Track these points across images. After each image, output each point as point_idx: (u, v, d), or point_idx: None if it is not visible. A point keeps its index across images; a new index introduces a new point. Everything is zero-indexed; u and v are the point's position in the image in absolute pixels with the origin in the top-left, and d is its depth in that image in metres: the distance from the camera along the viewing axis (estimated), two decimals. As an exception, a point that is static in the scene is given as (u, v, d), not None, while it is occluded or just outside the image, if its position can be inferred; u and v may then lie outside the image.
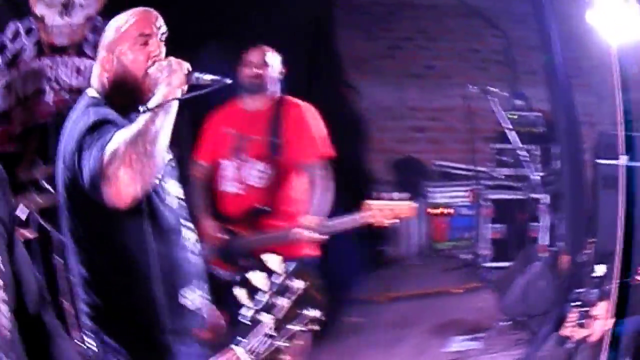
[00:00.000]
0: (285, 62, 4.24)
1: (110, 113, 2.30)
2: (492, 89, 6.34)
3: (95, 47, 4.13)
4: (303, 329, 1.79)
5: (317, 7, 6.58)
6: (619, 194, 4.98)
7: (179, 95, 2.22)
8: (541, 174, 7.33)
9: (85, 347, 2.41)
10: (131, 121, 2.20)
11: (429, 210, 7.06)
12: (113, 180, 2.02)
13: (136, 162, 2.03)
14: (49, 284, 3.46)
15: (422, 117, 8.14)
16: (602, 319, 4.64)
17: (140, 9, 2.45)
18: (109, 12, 4.21)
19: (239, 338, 1.79)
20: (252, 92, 4.12)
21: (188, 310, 2.42)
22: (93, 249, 2.34)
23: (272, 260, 1.81)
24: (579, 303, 5.58)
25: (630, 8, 4.98)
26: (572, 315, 5.36)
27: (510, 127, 6.62)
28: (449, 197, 7.81)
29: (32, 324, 1.81)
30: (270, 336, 1.77)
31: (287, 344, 1.77)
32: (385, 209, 3.79)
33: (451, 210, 7.46)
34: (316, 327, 1.81)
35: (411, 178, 7.75)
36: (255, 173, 4.06)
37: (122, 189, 2.04)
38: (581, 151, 6.56)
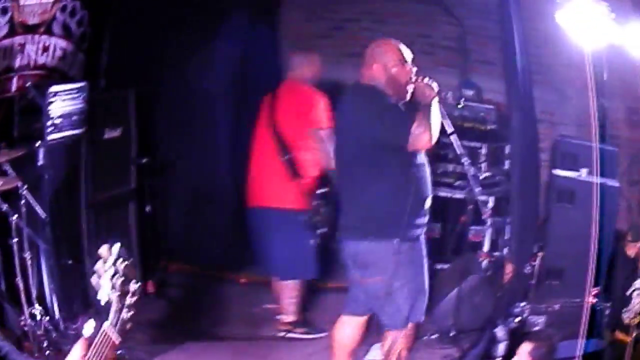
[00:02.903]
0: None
1: None
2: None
3: (64, 26, 5.53)
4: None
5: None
6: (593, 210, 4.54)
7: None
8: (487, 174, 6.89)
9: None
10: None
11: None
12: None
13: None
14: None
15: None
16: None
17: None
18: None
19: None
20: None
21: None
22: None
23: (103, 249, 2.21)
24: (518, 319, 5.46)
25: (602, 12, 4.68)
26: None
27: (449, 121, 6.08)
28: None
29: None
30: (119, 310, 2.21)
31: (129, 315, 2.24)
32: None
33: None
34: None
35: None
36: None
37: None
38: (536, 151, 6.02)
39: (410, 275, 4.05)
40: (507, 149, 6.92)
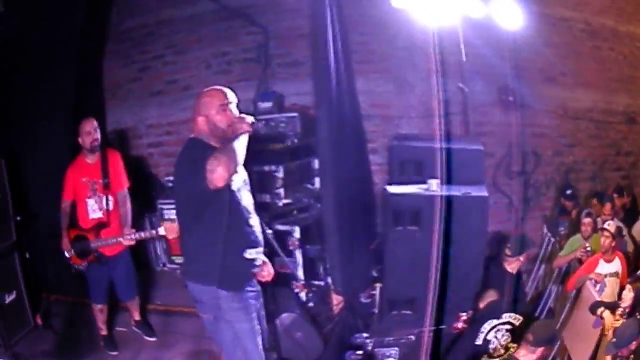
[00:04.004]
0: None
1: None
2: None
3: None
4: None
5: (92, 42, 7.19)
6: (435, 230, 3.90)
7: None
8: (286, 200, 5.94)
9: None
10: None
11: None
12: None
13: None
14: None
15: (158, 133, 7.99)
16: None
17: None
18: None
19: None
20: (91, 151, 5.52)
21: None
22: None
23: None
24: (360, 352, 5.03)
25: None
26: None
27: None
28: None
29: None
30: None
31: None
32: (174, 227, 4.85)
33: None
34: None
35: (147, 194, 7.17)
36: (104, 202, 5.58)
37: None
38: (361, 160, 5.32)
39: (241, 319, 4.04)
40: (315, 165, 6.02)
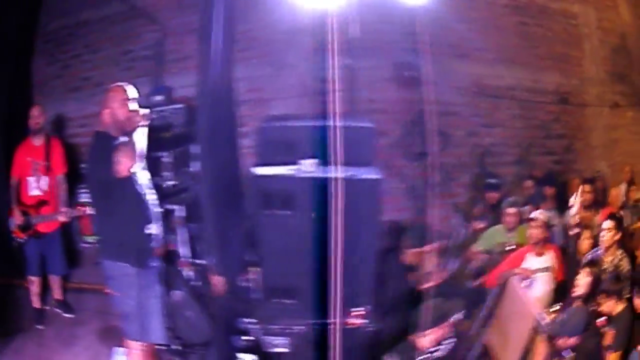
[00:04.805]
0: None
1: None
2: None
3: None
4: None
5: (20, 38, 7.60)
6: (333, 213, 3.58)
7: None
8: (171, 182, 6.17)
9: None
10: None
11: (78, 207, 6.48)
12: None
13: None
14: None
15: (75, 125, 8.22)
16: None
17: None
18: None
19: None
20: (35, 133, 6.21)
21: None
22: None
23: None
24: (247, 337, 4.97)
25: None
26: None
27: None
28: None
29: None
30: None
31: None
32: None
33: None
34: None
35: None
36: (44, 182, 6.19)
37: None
38: (230, 144, 5.26)
39: (142, 296, 4.45)
40: (194, 149, 6.19)
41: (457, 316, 4.63)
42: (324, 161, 4.35)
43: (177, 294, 5.31)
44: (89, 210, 5.75)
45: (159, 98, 6.83)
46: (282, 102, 6.22)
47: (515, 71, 7.08)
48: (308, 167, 4.53)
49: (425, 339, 4.39)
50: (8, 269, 6.54)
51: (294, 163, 4.61)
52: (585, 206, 6.06)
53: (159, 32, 7.72)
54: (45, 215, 6.11)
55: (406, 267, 5.04)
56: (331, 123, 4.06)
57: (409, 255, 5.05)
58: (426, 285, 5.04)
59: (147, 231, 4.43)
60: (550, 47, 7.29)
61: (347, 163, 4.05)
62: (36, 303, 6.20)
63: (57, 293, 6.34)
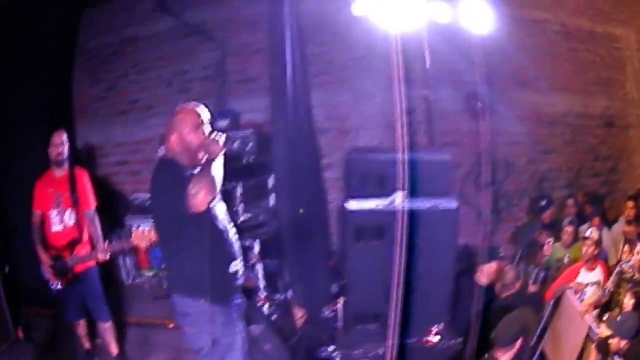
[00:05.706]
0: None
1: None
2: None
3: None
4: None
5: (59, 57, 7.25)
6: (397, 246, 3.68)
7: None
8: (246, 215, 5.94)
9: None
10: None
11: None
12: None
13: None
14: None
15: (124, 151, 8.03)
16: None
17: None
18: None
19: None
20: (57, 165, 5.55)
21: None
22: None
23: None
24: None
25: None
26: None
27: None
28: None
29: None
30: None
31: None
32: (145, 235, 4.91)
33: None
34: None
35: (114, 211, 7.17)
36: (69, 217, 5.57)
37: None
38: (314, 176, 5.19)
39: (222, 333, 4.11)
40: (271, 182, 6.01)
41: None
42: (410, 193, 4.34)
43: (255, 328, 5.18)
44: (133, 240, 5.02)
45: (224, 123, 6.37)
46: (364, 132, 6.22)
47: (567, 97, 7.18)
48: (397, 199, 4.59)
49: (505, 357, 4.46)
50: (56, 301, 6.04)
51: (385, 195, 4.67)
52: (629, 221, 6.38)
53: (218, 51, 7.35)
54: (82, 256, 5.39)
55: (479, 286, 5.11)
56: (415, 155, 4.20)
57: (481, 272, 5.20)
58: (503, 296, 5.34)
59: (231, 269, 4.02)
60: (597, 72, 7.35)
61: (428, 194, 4.58)
62: (86, 344, 5.71)
63: (112, 346, 5.63)
